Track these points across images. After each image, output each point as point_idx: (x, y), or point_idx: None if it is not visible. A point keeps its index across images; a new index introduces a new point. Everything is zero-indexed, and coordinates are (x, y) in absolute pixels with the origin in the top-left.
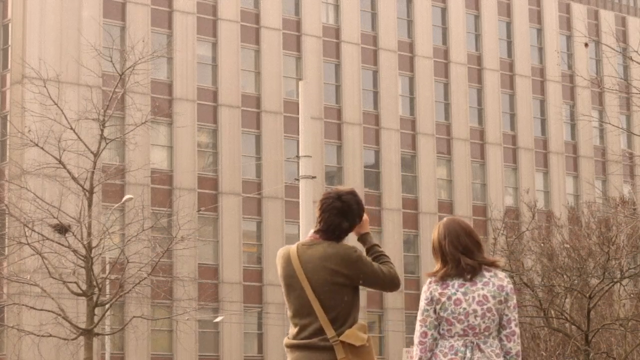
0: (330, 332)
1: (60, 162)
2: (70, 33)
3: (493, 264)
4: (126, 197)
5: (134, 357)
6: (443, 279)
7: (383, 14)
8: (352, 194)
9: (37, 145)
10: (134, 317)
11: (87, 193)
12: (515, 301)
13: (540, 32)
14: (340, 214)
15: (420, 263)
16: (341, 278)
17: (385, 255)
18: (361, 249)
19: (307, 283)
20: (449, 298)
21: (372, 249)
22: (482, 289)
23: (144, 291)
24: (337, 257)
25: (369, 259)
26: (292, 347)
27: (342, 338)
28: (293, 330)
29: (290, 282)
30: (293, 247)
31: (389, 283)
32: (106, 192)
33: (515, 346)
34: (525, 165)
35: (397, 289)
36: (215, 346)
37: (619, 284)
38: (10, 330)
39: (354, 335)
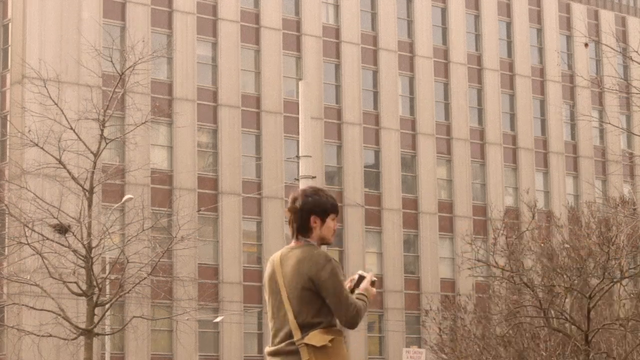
0: (297, 336)
1: (60, 162)
2: (70, 33)
3: None
4: (126, 197)
5: (134, 357)
6: None
7: (383, 14)
8: (311, 187)
9: (37, 145)
10: (134, 317)
11: (87, 193)
12: None
13: (540, 32)
14: (307, 209)
15: (420, 263)
16: (308, 283)
17: (365, 296)
18: None
19: (283, 287)
20: None
21: (353, 292)
22: None
23: (144, 291)
24: (307, 260)
25: (341, 279)
26: (269, 354)
27: (305, 340)
28: (271, 335)
29: (272, 286)
30: (280, 252)
31: (351, 314)
32: (106, 192)
33: None
34: (525, 165)
35: (352, 328)
36: (215, 346)
37: (619, 284)
38: (10, 330)
39: (316, 337)
